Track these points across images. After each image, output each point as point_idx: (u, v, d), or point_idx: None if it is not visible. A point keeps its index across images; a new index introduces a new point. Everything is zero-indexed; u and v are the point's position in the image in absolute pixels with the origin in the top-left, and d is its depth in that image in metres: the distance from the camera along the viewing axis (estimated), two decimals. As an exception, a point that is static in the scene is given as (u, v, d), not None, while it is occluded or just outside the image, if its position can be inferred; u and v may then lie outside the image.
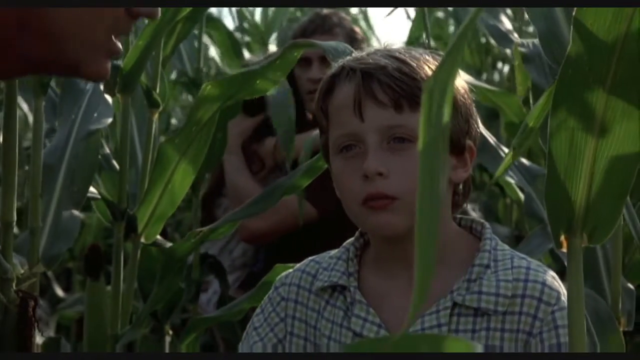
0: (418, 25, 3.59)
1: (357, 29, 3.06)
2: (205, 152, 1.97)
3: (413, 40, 3.60)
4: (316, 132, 2.84)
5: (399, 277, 1.41)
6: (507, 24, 2.98)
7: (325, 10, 3.09)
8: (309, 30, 2.93)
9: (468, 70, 3.93)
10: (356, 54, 1.44)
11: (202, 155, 1.97)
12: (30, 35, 1.22)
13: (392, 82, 1.35)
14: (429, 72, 1.37)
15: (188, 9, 1.94)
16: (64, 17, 1.22)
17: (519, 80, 1.98)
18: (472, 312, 1.37)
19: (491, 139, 2.09)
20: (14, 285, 1.55)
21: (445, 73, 0.61)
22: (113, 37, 1.26)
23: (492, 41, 3.67)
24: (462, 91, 1.41)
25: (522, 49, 1.79)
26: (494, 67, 4.15)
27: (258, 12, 5.18)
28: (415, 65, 1.37)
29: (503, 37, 2.89)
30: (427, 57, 1.41)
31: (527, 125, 1.36)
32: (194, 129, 1.93)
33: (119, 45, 1.28)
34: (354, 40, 2.92)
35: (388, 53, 1.40)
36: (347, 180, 1.38)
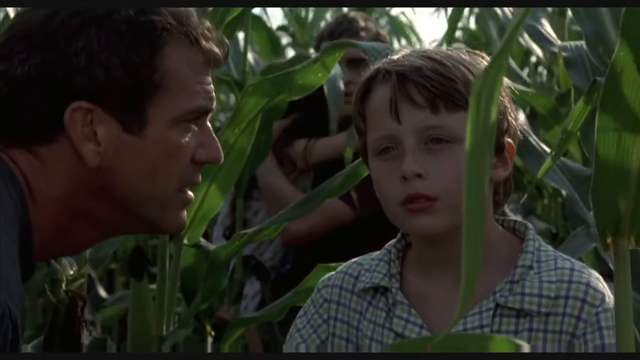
0: (451, 26, 3.56)
1: (382, 32, 3.07)
2: (248, 152, 1.98)
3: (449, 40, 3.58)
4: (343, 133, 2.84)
5: (440, 278, 1.41)
6: (546, 25, 2.95)
7: (352, 13, 3.10)
8: (337, 32, 2.94)
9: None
10: (392, 56, 1.44)
11: (245, 156, 1.98)
12: (109, 205, 1.28)
13: (428, 82, 1.35)
14: (466, 72, 1.37)
15: (238, 11, 1.95)
16: (135, 183, 1.28)
17: (561, 79, 1.96)
18: (514, 313, 1.36)
19: (533, 139, 2.07)
20: (63, 285, 1.59)
21: (492, 75, 0.61)
22: (183, 188, 1.31)
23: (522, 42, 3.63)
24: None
25: (565, 53, 1.76)
26: (535, 68, 4.12)
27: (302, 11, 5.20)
28: (451, 65, 1.37)
29: (543, 39, 2.86)
30: (463, 57, 1.40)
31: (566, 129, 1.35)
32: (236, 130, 1.94)
33: (191, 194, 1.33)
34: None
35: (423, 54, 1.39)
36: (386, 183, 1.38)
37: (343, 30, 2.95)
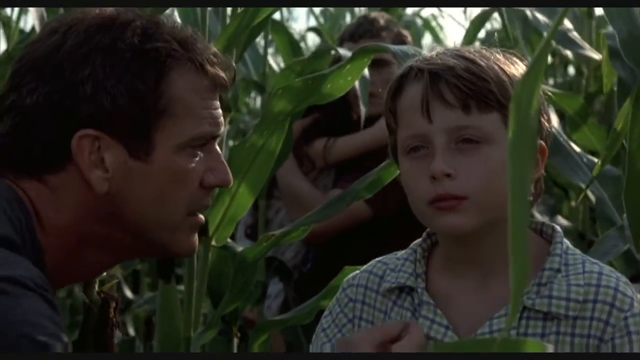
0: (475, 27, 3.55)
1: (404, 32, 3.06)
2: (277, 156, 1.99)
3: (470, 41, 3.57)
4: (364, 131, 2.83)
5: (467, 278, 1.41)
6: (568, 24, 2.93)
7: (373, 13, 3.09)
8: (357, 33, 2.94)
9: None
10: (425, 54, 1.44)
11: (273, 159, 1.99)
12: (118, 231, 1.30)
13: (460, 82, 1.34)
14: (499, 73, 1.36)
15: (267, 12, 1.96)
16: (143, 208, 1.29)
17: (605, 73, 1.91)
18: (541, 316, 1.36)
19: (563, 139, 2.07)
20: (96, 286, 1.61)
21: (531, 79, 0.61)
22: (193, 212, 1.33)
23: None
24: None
25: (610, 41, 1.71)
26: (565, 69, 4.10)
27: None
28: (484, 65, 1.36)
29: (564, 38, 2.84)
30: (498, 57, 1.39)
31: (615, 129, 1.34)
32: (265, 133, 1.95)
33: (201, 217, 1.35)
34: (402, 44, 2.92)
35: (457, 53, 1.39)
36: (415, 181, 1.37)
37: (364, 31, 2.95)
